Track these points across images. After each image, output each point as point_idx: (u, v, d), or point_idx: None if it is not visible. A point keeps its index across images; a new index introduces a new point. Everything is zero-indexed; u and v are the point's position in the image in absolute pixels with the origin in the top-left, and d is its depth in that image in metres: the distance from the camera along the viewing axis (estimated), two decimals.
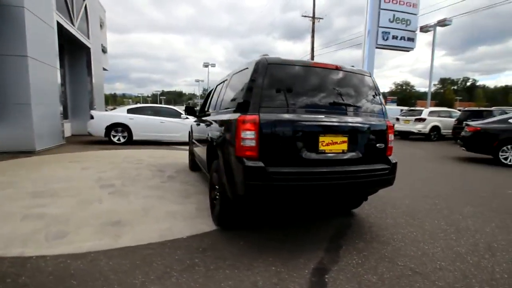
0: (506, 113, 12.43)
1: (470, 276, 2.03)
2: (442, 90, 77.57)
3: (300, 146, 2.25)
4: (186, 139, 9.67)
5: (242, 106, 2.29)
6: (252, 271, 2.02)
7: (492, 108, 13.16)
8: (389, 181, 2.56)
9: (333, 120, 2.37)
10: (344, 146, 2.38)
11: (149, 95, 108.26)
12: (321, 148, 2.30)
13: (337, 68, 2.52)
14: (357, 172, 2.34)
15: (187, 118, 9.69)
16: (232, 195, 2.38)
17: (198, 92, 74.11)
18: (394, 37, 16.91)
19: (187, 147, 6.16)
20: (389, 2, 16.47)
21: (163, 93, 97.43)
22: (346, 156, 2.39)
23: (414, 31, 17.09)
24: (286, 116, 2.24)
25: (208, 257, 2.19)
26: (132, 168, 5.44)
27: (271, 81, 2.28)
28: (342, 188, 2.35)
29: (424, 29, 17.42)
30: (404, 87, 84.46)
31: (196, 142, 4.54)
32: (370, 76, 2.68)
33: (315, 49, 23.76)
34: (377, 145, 2.55)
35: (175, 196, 3.74)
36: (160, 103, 66.01)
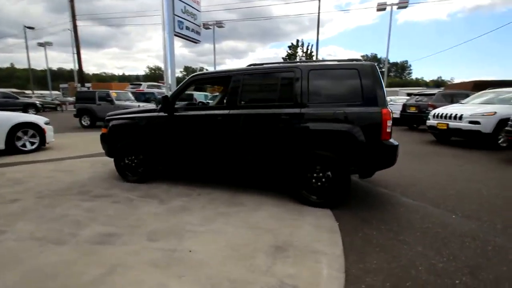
0: None
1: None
2: (187, 77, 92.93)
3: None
4: None
5: (374, 101, 2.92)
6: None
7: None
8: None
9: None
10: None
11: None
12: None
13: None
14: None
15: None
16: (363, 171, 3.07)
17: None
18: (187, 28, 18.31)
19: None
20: None
21: None
22: None
23: (199, 26, 19.61)
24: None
25: (391, 228, 2.77)
26: (33, 204, 2.97)
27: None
28: None
29: (205, 26, 20.50)
30: (157, 72, 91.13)
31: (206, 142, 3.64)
32: None
33: None
34: None
35: (233, 213, 3.09)
36: None
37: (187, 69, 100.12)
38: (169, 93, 14.11)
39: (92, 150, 6.47)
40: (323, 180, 3.11)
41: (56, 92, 36.61)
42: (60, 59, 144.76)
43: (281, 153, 3.23)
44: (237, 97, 3.41)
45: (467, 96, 9.85)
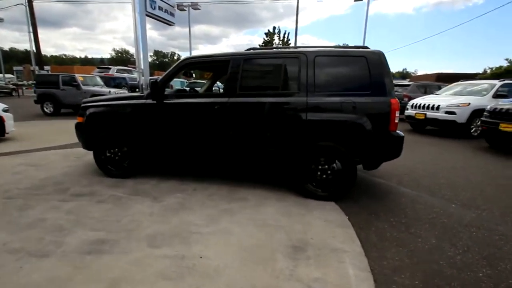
0: None
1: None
2: (157, 62, 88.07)
3: None
4: None
5: (383, 90, 2.81)
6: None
7: None
8: None
9: None
10: None
11: None
12: None
13: None
14: None
15: None
16: (370, 162, 3.01)
17: None
18: (160, 8, 16.87)
19: None
20: None
21: None
22: None
23: (173, 7, 18.29)
24: None
25: (400, 220, 2.74)
26: (1, 206, 2.52)
27: None
28: None
29: (180, 7, 19.27)
30: (124, 55, 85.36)
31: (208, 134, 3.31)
32: None
33: None
34: None
35: (250, 212, 2.87)
36: None
37: (157, 54, 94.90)
38: (142, 79, 13.07)
39: (61, 140, 5.82)
40: (328, 172, 3.00)
41: (10, 75, 32.79)
42: (11, 38, 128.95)
43: (284, 144, 3.05)
44: (237, 84, 3.12)
45: (439, 87, 10.35)
